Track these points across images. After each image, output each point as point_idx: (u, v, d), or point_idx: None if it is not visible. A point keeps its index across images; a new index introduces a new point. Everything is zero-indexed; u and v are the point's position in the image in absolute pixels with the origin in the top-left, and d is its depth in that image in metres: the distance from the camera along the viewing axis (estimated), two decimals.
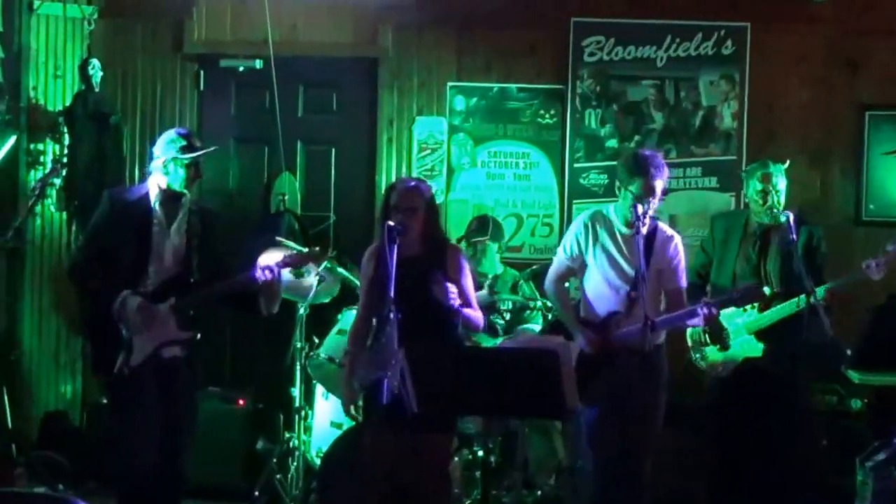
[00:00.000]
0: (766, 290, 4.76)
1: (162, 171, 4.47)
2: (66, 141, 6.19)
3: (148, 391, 4.43)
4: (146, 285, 4.41)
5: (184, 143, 4.56)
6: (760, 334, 4.91)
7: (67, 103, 6.25)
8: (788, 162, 5.08)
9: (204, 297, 4.49)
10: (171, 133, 4.60)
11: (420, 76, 6.46)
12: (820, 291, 4.62)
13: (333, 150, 6.64)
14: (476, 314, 4.49)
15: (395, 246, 4.15)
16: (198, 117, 6.59)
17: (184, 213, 4.53)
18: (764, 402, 4.87)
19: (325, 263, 5.34)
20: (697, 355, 5.08)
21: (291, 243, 5.40)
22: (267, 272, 4.40)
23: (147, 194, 4.50)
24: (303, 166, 6.62)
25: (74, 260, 5.04)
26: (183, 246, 4.49)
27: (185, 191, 4.52)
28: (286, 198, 6.35)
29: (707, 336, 4.96)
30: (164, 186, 4.51)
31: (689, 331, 5.00)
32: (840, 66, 6.17)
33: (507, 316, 5.56)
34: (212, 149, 4.71)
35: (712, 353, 5.02)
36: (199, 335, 4.54)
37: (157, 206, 4.47)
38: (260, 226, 6.23)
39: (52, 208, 6.27)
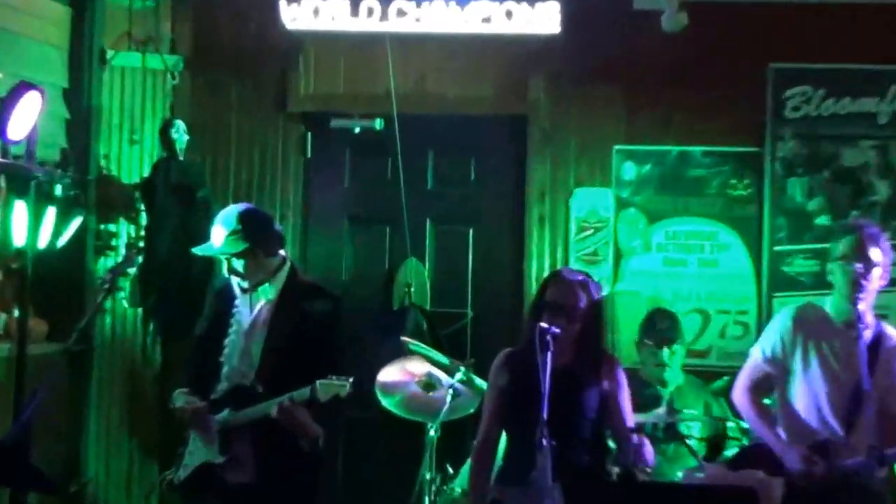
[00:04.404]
0: None
1: None
2: (144, 221, 5.92)
3: None
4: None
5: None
6: None
7: (145, 174, 5.94)
8: None
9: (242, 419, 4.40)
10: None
11: (579, 138, 6.02)
12: None
13: (471, 230, 6.26)
14: (650, 446, 4.24)
15: (550, 354, 3.90)
16: (303, 191, 6.25)
17: None
18: None
19: (460, 374, 4.94)
20: None
21: (420, 345, 5.11)
22: (277, 409, 4.22)
23: None
24: (433, 251, 6.27)
25: None
26: None
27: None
28: (412, 290, 5.99)
29: None
30: None
31: None
32: None
33: (697, 445, 5.06)
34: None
35: None
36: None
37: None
38: (380, 325, 5.88)
39: (126, 304, 5.94)
